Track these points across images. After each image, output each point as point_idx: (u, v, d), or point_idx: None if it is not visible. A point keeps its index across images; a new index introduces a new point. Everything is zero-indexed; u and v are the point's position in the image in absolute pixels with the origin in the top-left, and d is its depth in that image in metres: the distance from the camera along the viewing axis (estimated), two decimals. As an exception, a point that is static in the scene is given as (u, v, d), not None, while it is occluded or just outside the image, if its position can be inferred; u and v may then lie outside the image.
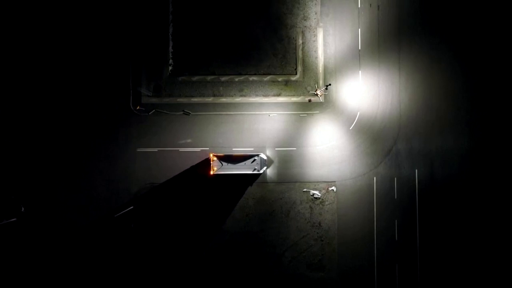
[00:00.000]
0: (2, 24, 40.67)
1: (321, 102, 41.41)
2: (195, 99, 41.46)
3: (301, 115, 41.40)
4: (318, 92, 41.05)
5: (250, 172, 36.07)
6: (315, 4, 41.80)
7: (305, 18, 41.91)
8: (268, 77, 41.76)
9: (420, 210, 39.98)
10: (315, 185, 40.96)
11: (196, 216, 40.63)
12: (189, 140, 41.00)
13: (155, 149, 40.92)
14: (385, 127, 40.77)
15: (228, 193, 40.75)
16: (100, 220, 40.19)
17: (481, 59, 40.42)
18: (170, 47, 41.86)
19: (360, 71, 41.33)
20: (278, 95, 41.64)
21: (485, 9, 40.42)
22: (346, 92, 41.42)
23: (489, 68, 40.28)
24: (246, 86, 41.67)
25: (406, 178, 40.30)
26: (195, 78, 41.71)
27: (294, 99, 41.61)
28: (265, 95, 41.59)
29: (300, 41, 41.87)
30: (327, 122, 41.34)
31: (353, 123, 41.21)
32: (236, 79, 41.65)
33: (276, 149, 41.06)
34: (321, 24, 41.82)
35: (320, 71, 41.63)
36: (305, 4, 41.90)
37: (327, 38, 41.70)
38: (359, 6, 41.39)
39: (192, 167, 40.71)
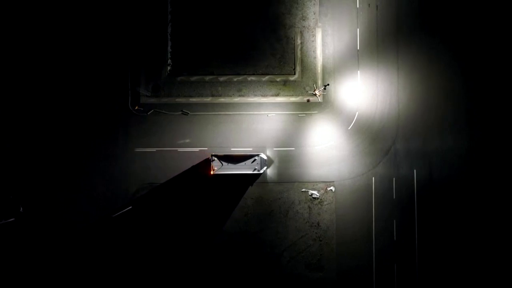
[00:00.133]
0: (2, 25, 40.64)
1: (319, 102, 41.42)
2: (194, 99, 41.46)
3: (299, 115, 41.41)
4: (317, 92, 41.07)
5: (250, 172, 36.05)
6: (314, 4, 41.82)
7: (304, 18, 41.93)
8: (267, 77, 41.77)
9: (418, 210, 39.98)
10: (313, 185, 40.96)
11: (195, 216, 40.61)
12: (187, 140, 41.00)
13: (154, 149, 40.91)
14: (383, 127, 40.78)
15: (228, 193, 40.73)
16: (99, 220, 40.16)
17: (479, 59, 40.46)
18: (169, 47, 41.87)
19: (358, 71, 41.34)
20: (277, 95, 41.65)
21: (484, 9, 40.46)
22: (345, 92, 41.43)
23: (488, 68, 40.32)
24: (244, 86, 41.68)
25: (404, 178, 40.31)
26: (193, 78, 41.72)
27: (293, 99, 41.62)
28: (264, 95, 41.60)
29: (299, 41, 41.88)
30: (326, 122, 41.34)
31: (351, 123, 41.22)
32: (235, 79, 41.66)
33: (275, 149, 41.07)
34: (319, 24, 41.83)
35: (319, 71, 41.64)
36: (304, 4, 41.92)
37: (326, 38, 41.71)
38: (357, 6, 41.42)
39: (192, 167, 40.70)
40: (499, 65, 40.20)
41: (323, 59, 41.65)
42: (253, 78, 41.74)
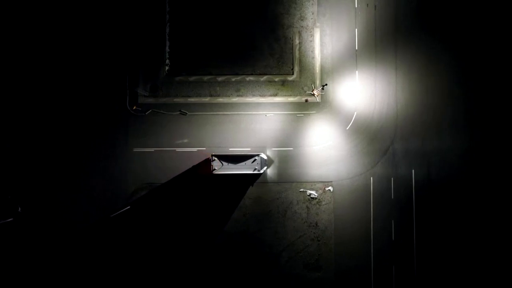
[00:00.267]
0: (1, 26, 40.78)
1: (318, 102, 41.42)
2: (192, 99, 41.45)
3: (298, 115, 41.40)
4: (315, 92, 41.05)
5: (251, 172, 36.08)
6: (312, 4, 41.81)
7: (302, 18, 41.92)
8: (265, 77, 41.76)
9: (417, 210, 39.97)
10: (312, 185, 40.95)
11: (194, 216, 40.60)
12: (185, 140, 41.00)
13: (152, 149, 40.91)
14: (382, 127, 40.77)
15: (228, 194, 40.71)
16: (97, 220, 40.15)
17: (478, 59, 40.45)
18: (167, 47, 41.87)
19: (357, 71, 41.33)
20: (275, 95, 41.64)
21: (482, 8, 40.45)
22: (343, 92, 41.42)
23: (486, 68, 40.31)
24: (243, 86, 41.67)
25: (403, 178, 40.31)
26: (191, 78, 41.71)
27: (291, 99, 41.61)
28: (262, 95, 41.59)
29: (297, 41, 41.87)
30: (324, 122, 41.33)
31: (350, 123, 41.21)
32: (233, 79, 41.65)
33: (273, 149, 41.06)
34: (318, 24, 41.81)
35: (317, 71, 41.63)
36: (302, 4, 41.90)
37: (324, 38, 41.70)
38: (356, 6, 41.41)
39: (192, 166, 40.68)
40: (498, 65, 40.20)
41: (321, 59, 41.64)
42: (251, 78, 41.73)
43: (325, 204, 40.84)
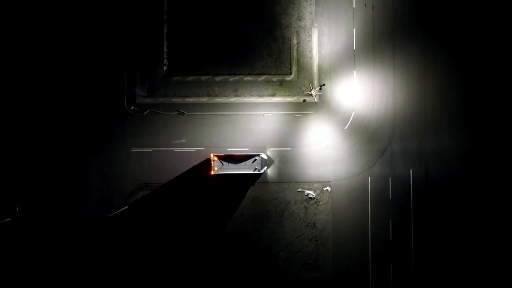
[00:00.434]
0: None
1: (315, 102, 41.42)
2: (190, 99, 41.45)
3: (295, 115, 41.40)
4: (313, 92, 41.06)
5: (251, 172, 36.13)
6: (310, 4, 41.80)
7: (300, 18, 41.91)
8: (263, 77, 41.76)
9: (414, 210, 40.00)
10: (309, 185, 40.96)
11: (193, 216, 40.60)
12: (183, 140, 41.00)
13: (150, 149, 40.91)
14: (379, 127, 40.78)
15: (227, 194, 40.71)
16: (95, 220, 40.15)
17: (476, 59, 40.48)
18: (165, 47, 41.85)
19: (354, 71, 41.34)
20: (273, 95, 41.64)
21: (480, 8, 40.45)
22: (341, 92, 41.42)
23: (484, 68, 40.34)
24: (240, 86, 41.67)
25: (400, 178, 40.33)
26: (189, 78, 41.70)
27: (289, 99, 41.62)
28: (260, 95, 41.59)
29: (295, 41, 41.87)
30: (322, 122, 41.34)
31: (347, 123, 41.22)
32: (231, 79, 41.64)
33: (271, 149, 41.06)
34: (315, 24, 41.81)
35: (315, 71, 41.63)
36: (300, 4, 41.89)
37: (322, 38, 41.70)
38: (354, 6, 41.39)
39: (188, 166, 40.68)
40: (496, 65, 40.22)
41: (319, 59, 41.63)
42: (249, 78, 41.73)
43: (323, 204, 40.86)
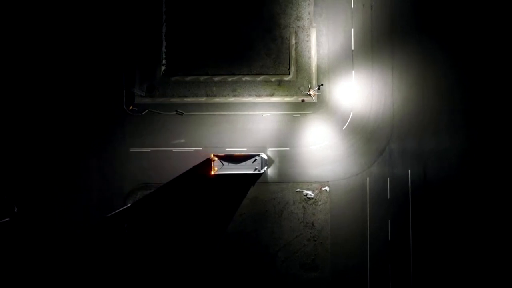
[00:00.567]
0: (-5, 24, 40.76)
1: (314, 102, 41.43)
2: (188, 99, 41.46)
3: (294, 115, 41.42)
4: (311, 92, 41.07)
5: (251, 172, 36.16)
6: (308, 4, 41.82)
7: (298, 18, 41.93)
8: (261, 77, 41.78)
9: (413, 210, 40.00)
10: (308, 185, 40.97)
11: (190, 216, 40.59)
12: (182, 140, 41.01)
13: (148, 149, 40.91)
14: (378, 127, 40.79)
15: (225, 194, 40.71)
16: (93, 220, 40.14)
17: (475, 59, 40.49)
18: (163, 47, 41.86)
19: (353, 71, 41.35)
20: (271, 95, 41.66)
21: (479, 8, 40.47)
22: (339, 92, 41.44)
23: (483, 68, 40.34)
24: (239, 86, 41.68)
25: (399, 178, 40.33)
26: (188, 78, 41.72)
27: (287, 99, 41.63)
28: (258, 95, 41.61)
29: (293, 41, 41.88)
30: (320, 122, 41.35)
31: (346, 123, 41.23)
32: (229, 79, 41.66)
33: (269, 149, 41.07)
34: (314, 24, 41.84)
35: (313, 71, 41.65)
36: (298, 4, 41.92)
37: (320, 38, 41.71)
38: (352, 6, 41.42)
39: (187, 166, 40.67)
40: (495, 65, 40.22)
41: (317, 59, 41.65)
42: (247, 78, 41.75)
43: (322, 204, 40.87)
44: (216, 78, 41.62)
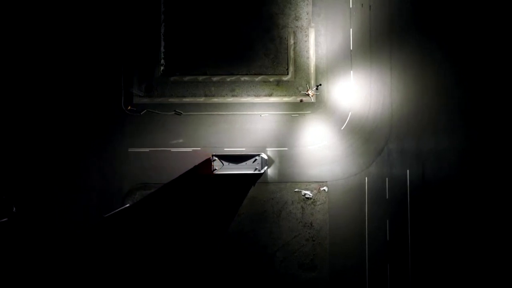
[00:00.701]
0: (-6, 24, 40.78)
1: (312, 102, 41.43)
2: (187, 99, 41.47)
3: (292, 115, 41.42)
4: (310, 92, 41.07)
5: (251, 172, 36.16)
6: (307, 4, 41.82)
7: (297, 18, 41.94)
8: (260, 77, 41.78)
9: (411, 210, 39.97)
10: (306, 185, 40.96)
11: (189, 216, 40.58)
12: (180, 140, 41.02)
13: (147, 149, 40.92)
14: (376, 127, 40.78)
15: (225, 194, 40.70)
16: (92, 220, 40.14)
17: (474, 58, 40.44)
18: (162, 47, 41.88)
19: (351, 71, 41.35)
20: (270, 95, 41.66)
21: (477, 8, 40.44)
22: (338, 92, 41.43)
23: (481, 68, 40.30)
24: (237, 86, 41.69)
25: (397, 178, 40.31)
26: (186, 78, 41.73)
27: (286, 99, 41.63)
28: (257, 95, 41.61)
29: (292, 41, 41.89)
30: (319, 122, 41.35)
31: (344, 123, 41.22)
32: (228, 79, 41.67)
33: (268, 149, 41.06)
34: (312, 24, 41.83)
35: (312, 71, 41.64)
36: (297, 4, 41.92)
37: (319, 38, 41.71)
38: (350, 6, 41.41)
39: (186, 166, 40.66)
40: (494, 64, 40.18)
41: (316, 59, 41.65)
42: (246, 78, 41.75)
43: (320, 204, 40.86)
44: (215, 78, 41.63)
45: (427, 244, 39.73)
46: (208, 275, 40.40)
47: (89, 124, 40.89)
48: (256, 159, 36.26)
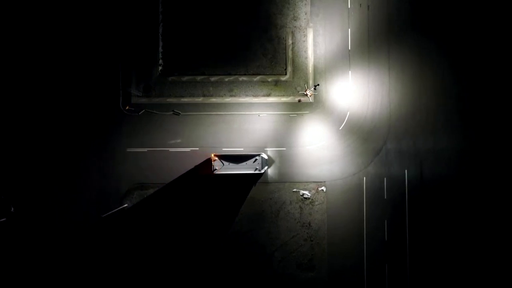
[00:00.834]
0: (-8, 24, 40.77)
1: (310, 102, 41.44)
2: (185, 99, 41.47)
3: (291, 115, 41.42)
4: (308, 92, 41.08)
5: (252, 172, 36.17)
6: (305, 4, 41.83)
7: (295, 18, 41.94)
8: (258, 77, 41.79)
9: (409, 210, 39.99)
10: (305, 185, 40.97)
11: (188, 216, 40.57)
12: (179, 140, 41.02)
13: (145, 149, 40.92)
14: (375, 127, 40.79)
15: (225, 194, 40.69)
16: (90, 220, 40.14)
17: (472, 58, 40.45)
18: (160, 47, 41.90)
19: (350, 71, 41.35)
20: (268, 95, 41.66)
21: (476, 8, 40.45)
22: (336, 92, 41.44)
23: (480, 68, 40.31)
24: (236, 86, 41.69)
25: (395, 178, 40.32)
26: (185, 78, 41.73)
27: (284, 99, 41.63)
28: (255, 95, 41.61)
29: (290, 41, 41.89)
30: (317, 122, 41.35)
31: (343, 123, 41.23)
32: (226, 79, 41.67)
33: (266, 149, 41.07)
34: (311, 24, 41.84)
35: (310, 71, 41.65)
36: (295, 4, 41.92)
37: (317, 38, 41.71)
38: (349, 6, 41.41)
39: (183, 166, 40.66)
40: (492, 64, 40.19)
41: (314, 59, 41.65)
42: (244, 78, 41.76)
43: (318, 204, 40.86)
44: (213, 78, 41.63)
45: (425, 244, 39.75)
46: (207, 275, 40.39)
47: (87, 124, 40.88)
48: (256, 159, 36.31)
